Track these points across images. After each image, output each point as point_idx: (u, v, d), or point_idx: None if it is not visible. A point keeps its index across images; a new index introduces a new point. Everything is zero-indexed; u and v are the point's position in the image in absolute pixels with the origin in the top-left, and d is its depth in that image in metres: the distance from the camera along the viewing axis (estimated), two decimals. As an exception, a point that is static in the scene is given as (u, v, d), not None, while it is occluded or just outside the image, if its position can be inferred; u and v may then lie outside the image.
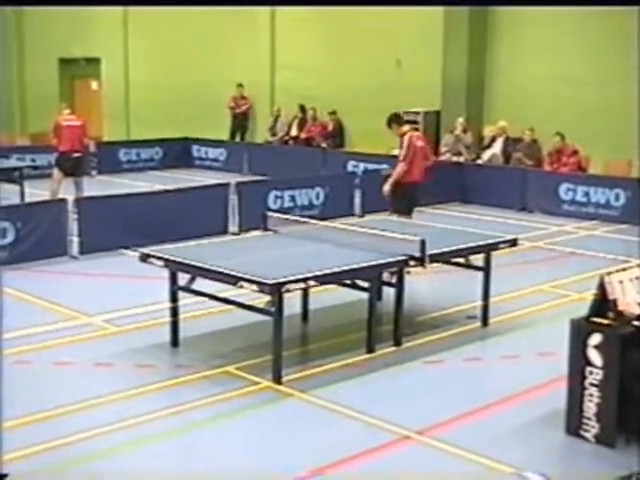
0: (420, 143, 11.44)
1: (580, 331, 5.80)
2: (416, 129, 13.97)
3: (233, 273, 6.74)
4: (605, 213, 14.48)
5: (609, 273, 5.94)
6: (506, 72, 18.19)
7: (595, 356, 5.68)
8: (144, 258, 7.47)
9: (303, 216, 11.11)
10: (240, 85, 22.36)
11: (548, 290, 9.69)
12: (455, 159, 17.24)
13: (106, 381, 6.82)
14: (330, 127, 20.79)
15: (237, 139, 22.30)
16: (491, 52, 18.41)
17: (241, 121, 22.46)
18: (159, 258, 7.36)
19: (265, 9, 22.36)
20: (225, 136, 21.93)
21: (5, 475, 4.69)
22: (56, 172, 14.35)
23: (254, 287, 6.62)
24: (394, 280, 7.72)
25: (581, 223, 14.23)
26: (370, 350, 7.47)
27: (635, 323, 5.76)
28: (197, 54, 23.98)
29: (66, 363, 7.18)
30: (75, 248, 11.15)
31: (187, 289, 7.50)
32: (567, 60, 17.14)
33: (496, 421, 6.18)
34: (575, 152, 15.83)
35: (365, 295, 7.52)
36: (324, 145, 20.15)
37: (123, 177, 18.69)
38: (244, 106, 22.43)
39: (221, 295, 7.51)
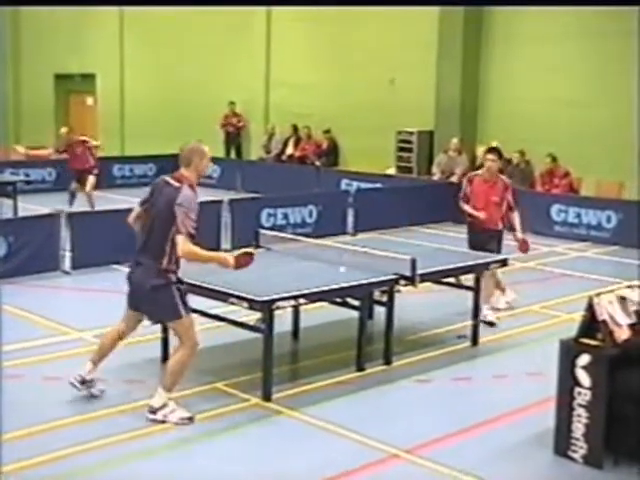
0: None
1: (569, 352, 5.83)
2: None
3: (224, 290, 6.78)
4: (596, 235, 14.55)
5: (598, 294, 5.98)
6: (500, 93, 18.32)
7: (583, 377, 5.72)
8: (136, 274, 7.47)
9: (296, 234, 11.17)
10: (232, 103, 22.47)
11: (538, 310, 9.73)
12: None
13: (96, 397, 6.81)
14: (324, 145, 20.88)
15: (232, 156, 22.40)
16: (485, 73, 18.55)
17: (234, 138, 22.59)
18: (151, 274, 7.35)
19: (261, 27, 22.51)
20: (220, 153, 21.95)
21: None
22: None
23: (245, 304, 6.65)
24: (385, 299, 7.76)
25: (572, 244, 14.30)
26: (360, 368, 7.49)
27: (623, 344, 5.80)
28: (192, 71, 24.08)
29: (56, 378, 7.16)
30: (67, 263, 11.15)
31: (178, 305, 7.50)
32: (560, 82, 17.26)
33: (485, 440, 6.20)
34: (567, 174, 15.94)
35: (356, 313, 7.55)
36: (318, 163, 20.22)
37: (117, 193, 18.70)
38: (239, 123, 22.52)
39: (212, 312, 7.52)
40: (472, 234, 9.57)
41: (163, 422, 6.22)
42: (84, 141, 15.40)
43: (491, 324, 9.00)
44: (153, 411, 6.28)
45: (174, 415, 6.26)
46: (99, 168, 15.59)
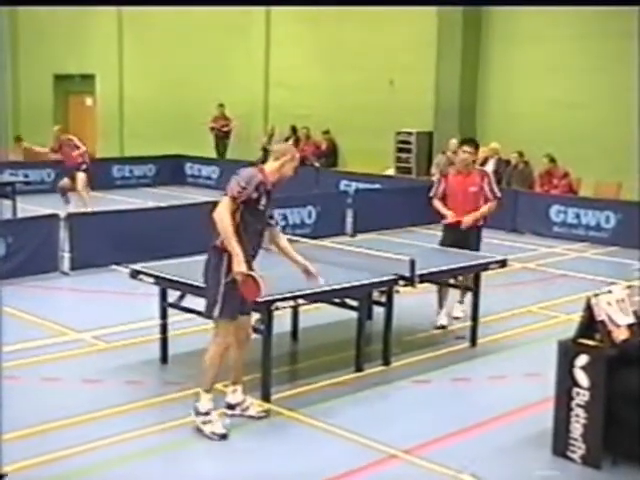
0: None
1: (567, 352, 5.83)
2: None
3: (223, 290, 6.76)
4: (595, 235, 14.56)
5: (596, 295, 5.98)
6: (499, 94, 18.34)
7: (582, 377, 5.71)
8: (134, 275, 7.49)
9: (295, 235, 11.14)
10: (221, 105, 22.45)
11: (537, 311, 9.73)
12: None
13: (95, 397, 6.82)
14: (323, 146, 20.88)
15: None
16: (484, 73, 18.57)
17: (222, 139, 22.59)
18: (149, 275, 7.38)
19: (260, 28, 22.53)
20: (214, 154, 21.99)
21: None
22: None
23: (244, 305, 6.63)
24: (384, 299, 7.76)
25: (571, 245, 14.30)
26: (359, 369, 7.49)
27: (622, 345, 5.81)
28: (191, 71, 24.10)
29: (55, 379, 7.18)
30: (66, 264, 11.16)
31: (177, 306, 7.51)
32: (559, 82, 17.28)
33: (483, 441, 6.20)
34: (566, 174, 15.93)
35: (355, 314, 7.55)
36: (317, 164, 20.21)
37: (116, 193, 18.72)
38: (225, 127, 22.45)
39: (211, 312, 7.51)
40: (447, 231, 9.07)
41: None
42: (69, 139, 15.45)
43: (442, 327, 8.92)
44: (197, 413, 6.16)
45: (208, 427, 6.07)
46: (88, 165, 15.43)
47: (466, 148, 9.08)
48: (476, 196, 8.94)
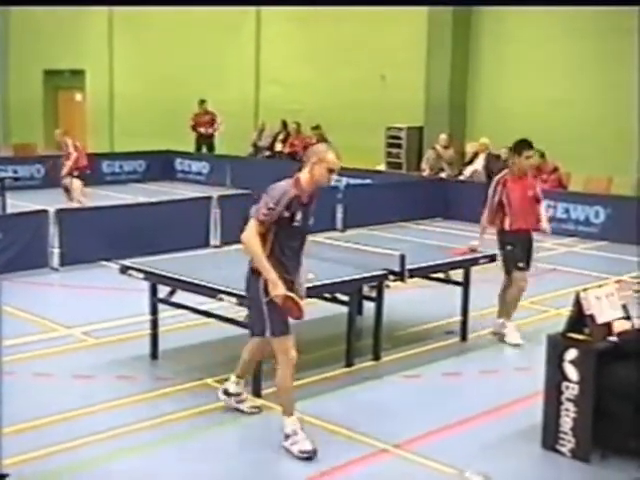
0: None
1: (556, 346, 5.85)
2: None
3: (213, 286, 6.77)
4: (585, 230, 14.60)
5: (585, 289, 6.01)
6: (488, 89, 18.38)
7: (571, 371, 5.74)
8: (124, 270, 7.49)
9: (285, 230, 11.14)
10: (203, 101, 21.86)
11: (527, 306, 9.74)
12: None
13: (85, 393, 6.81)
14: (314, 141, 20.84)
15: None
16: (474, 69, 18.60)
17: (206, 139, 21.96)
18: (139, 270, 7.37)
19: (251, 24, 22.51)
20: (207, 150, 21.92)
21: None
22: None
23: (234, 300, 6.63)
24: (374, 294, 7.77)
25: (561, 240, 14.33)
26: (349, 364, 7.50)
27: (611, 338, 5.83)
28: (182, 68, 24.07)
29: (45, 375, 7.17)
30: (56, 260, 11.13)
31: (167, 302, 7.50)
32: (548, 79, 17.34)
33: (473, 435, 6.22)
34: (555, 169, 15.96)
35: (345, 309, 7.56)
36: None
37: (106, 189, 18.65)
38: (210, 127, 21.78)
39: (201, 308, 7.52)
40: (518, 240, 8.41)
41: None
42: (66, 143, 15.29)
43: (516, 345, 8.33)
44: (285, 437, 5.80)
45: (296, 447, 5.70)
46: (82, 172, 15.15)
47: (530, 152, 8.61)
48: (532, 199, 8.64)
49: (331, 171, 5.67)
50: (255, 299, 5.70)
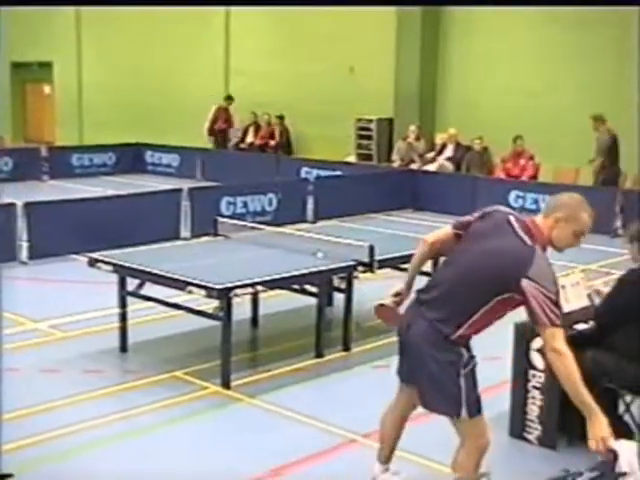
0: None
1: (523, 335, 5.90)
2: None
3: (181, 278, 6.76)
4: (554, 220, 14.68)
5: (552, 278, 6.05)
6: (458, 80, 18.44)
7: (538, 359, 5.79)
8: (93, 263, 7.45)
9: (255, 222, 11.16)
10: (229, 97, 21.50)
11: (496, 296, 9.81)
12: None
13: (53, 387, 6.78)
14: (277, 132, 20.72)
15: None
16: (443, 60, 18.65)
17: (219, 133, 21.65)
18: (108, 263, 7.34)
19: (220, 14, 22.37)
20: (178, 141, 21.69)
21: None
22: None
23: (203, 292, 6.63)
24: (343, 286, 7.78)
25: (530, 230, 14.41)
26: (319, 355, 7.52)
27: (576, 327, 5.89)
28: (152, 60, 23.91)
29: (12, 369, 7.08)
30: (24, 253, 11.04)
31: (136, 294, 7.47)
32: (518, 70, 17.43)
33: (442, 425, 6.18)
34: (532, 157, 16.05)
35: (315, 300, 7.57)
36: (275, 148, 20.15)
37: (75, 182, 18.54)
38: (223, 124, 21.40)
39: (170, 300, 7.50)
40: None
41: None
42: None
43: None
44: None
45: None
46: None
47: None
48: None
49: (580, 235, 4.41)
50: (450, 372, 4.42)
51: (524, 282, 4.11)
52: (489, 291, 4.28)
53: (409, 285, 4.86)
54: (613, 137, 14.92)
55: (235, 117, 21.54)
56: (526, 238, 4.31)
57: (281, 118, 20.65)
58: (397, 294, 4.82)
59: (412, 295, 4.74)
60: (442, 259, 4.72)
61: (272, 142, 20.58)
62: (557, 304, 4.16)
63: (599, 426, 4.18)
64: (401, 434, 5.05)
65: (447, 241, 4.66)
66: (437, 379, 4.42)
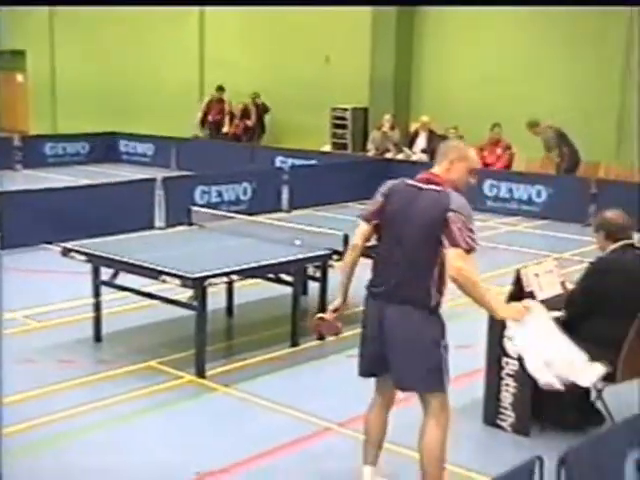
0: None
1: (497, 322, 5.92)
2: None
3: (156, 267, 6.74)
4: (527, 209, 14.81)
5: (525, 266, 6.11)
6: (434, 70, 18.46)
7: (511, 347, 5.82)
8: (66, 253, 7.41)
9: (230, 211, 11.12)
10: (220, 88, 20.86)
11: (470, 284, 9.85)
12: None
13: (27, 377, 6.73)
14: (252, 110, 20.58)
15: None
16: (419, 49, 18.66)
17: (212, 124, 21.07)
18: (81, 252, 7.30)
19: (195, 7, 22.23)
20: (152, 130, 21.54)
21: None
22: None
23: (177, 281, 6.62)
24: (318, 274, 7.79)
25: (504, 219, 14.52)
26: (294, 344, 7.53)
27: (550, 314, 5.93)
28: (125, 48, 23.73)
29: (-15, 360, 7.06)
30: (-3, 243, 10.95)
31: (110, 284, 7.45)
32: (494, 59, 17.46)
33: (416, 412, 6.24)
34: (509, 147, 16.09)
35: (290, 289, 7.57)
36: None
37: (49, 171, 18.39)
38: (217, 115, 20.82)
39: (145, 290, 7.48)
40: None
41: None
42: None
43: None
44: None
45: None
46: None
47: None
48: None
49: (472, 172, 4.83)
50: (434, 344, 4.63)
51: (450, 214, 4.46)
52: (433, 243, 4.51)
53: (345, 296, 5.05)
54: (557, 131, 15.11)
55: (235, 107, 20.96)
56: (434, 187, 4.63)
57: (255, 97, 20.43)
58: (335, 309, 5.06)
59: (367, 293, 4.89)
60: (380, 249, 4.80)
61: (249, 122, 20.40)
62: (474, 233, 4.49)
63: (509, 308, 4.76)
64: (386, 431, 5.07)
65: (369, 237, 4.86)
66: (422, 356, 4.60)
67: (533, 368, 4.82)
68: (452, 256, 4.42)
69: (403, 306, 4.60)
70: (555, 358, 4.77)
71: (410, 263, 4.59)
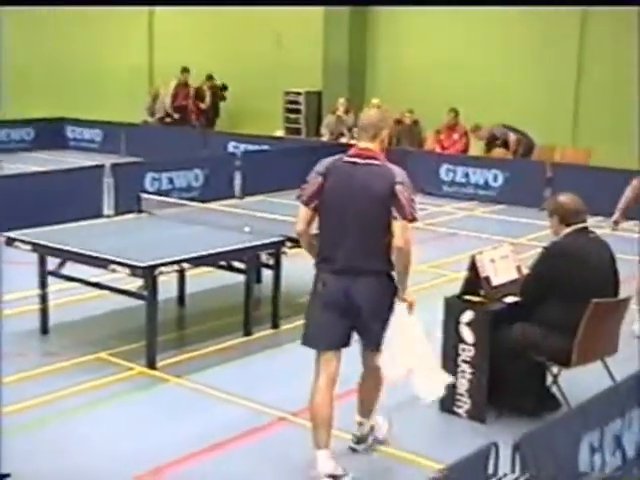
0: None
1: (453, 309, 5.88)
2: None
3: (104, 256, 6.57)
4: (484, 194, 14.81)
5: (481, 252, 6.05)
6: (389, 52, 18.35)
7: (467, 333, 5.78)
8: (10, 242, 7.20)
9: (182, 198, 10.95)
10: (185, 70, 19.77)
11: (426, 270, 9.81)
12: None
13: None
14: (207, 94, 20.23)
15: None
16: (373, 31, 18.54)
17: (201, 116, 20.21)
18: (26, 242, 7.09)
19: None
20: (100, 116, 21.03)
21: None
22: None
23: (127, 271, 6.46)
24: (272, 262, 7.66)
25: (460, 204, 14.51)
26: (247, 333, 7.41)
27: (505, 300, 5.88)
28: (72, 31, 23.28)
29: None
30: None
31: (57, 274, 7.25)
32: (449, 44, 17.40)
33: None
34: (466, 133, 16.07)
35: (243, 277, 7.44)
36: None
37: (-8, 159, 17.95)
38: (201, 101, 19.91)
39: (93, 280, 7.29)
40: None
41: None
42: None
43: None
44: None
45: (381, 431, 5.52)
46: None
47: None
48: None
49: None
50: (389, 307, 4.89)
51: (397, 187, 4.70)
52: (384, 215, 4.72)
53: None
54: (501, 125, 15.44)
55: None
56: (373, 161, 4.82)
57: (210, 78, 20.07)
58: None
59: (320, 271, 5.07)
60: (325, 227, 4.97)
61: (202, 105, 20.05)
62: (415, 203, 4.78)
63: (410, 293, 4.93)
64: (333, 409, 5.11)
65: (311, 220, 5.00)
66: (382, 317, 4.87)
67: (386, 360, 5.00)
68: (401, 227, 4.68)
69: (368, 277, 4.83)
70: (415, 361, 5.00)
71: (363, 236, 4.77)
